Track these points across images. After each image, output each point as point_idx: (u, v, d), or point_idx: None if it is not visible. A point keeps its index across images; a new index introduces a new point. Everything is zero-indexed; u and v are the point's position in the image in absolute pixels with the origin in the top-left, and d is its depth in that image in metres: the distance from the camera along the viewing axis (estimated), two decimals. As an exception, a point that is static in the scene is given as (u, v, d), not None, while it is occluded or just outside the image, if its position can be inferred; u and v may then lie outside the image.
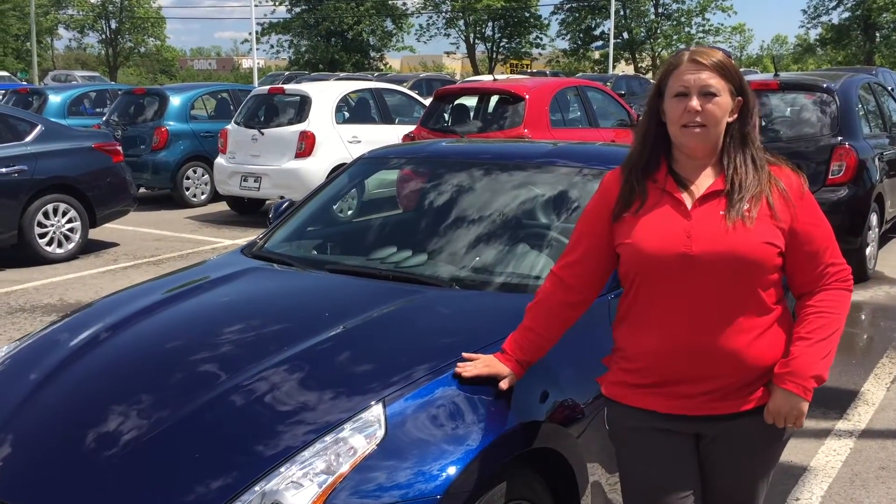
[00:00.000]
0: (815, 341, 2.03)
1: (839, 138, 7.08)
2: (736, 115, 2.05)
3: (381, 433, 2.12)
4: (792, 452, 3.89)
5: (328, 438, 2.10)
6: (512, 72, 42.50)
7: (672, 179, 2.08)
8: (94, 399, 2.45)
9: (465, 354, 2.35)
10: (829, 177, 7.04)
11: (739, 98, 2.05)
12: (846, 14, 49.66)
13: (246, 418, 2.22)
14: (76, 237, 8.39)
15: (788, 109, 7.72)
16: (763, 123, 7.61)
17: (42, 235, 8.11)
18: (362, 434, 2.11)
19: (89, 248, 8.69)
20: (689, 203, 2.05)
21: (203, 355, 2.54)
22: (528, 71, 41.86)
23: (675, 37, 49.59)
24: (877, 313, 6.50)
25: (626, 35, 50.05)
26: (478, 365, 2.31)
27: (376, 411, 2.17)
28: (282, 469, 2.02)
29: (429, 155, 3.95)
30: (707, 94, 1.99)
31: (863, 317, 6.39)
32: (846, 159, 7.00)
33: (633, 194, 2.09)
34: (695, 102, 1.99)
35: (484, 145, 4.54)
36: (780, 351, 2.07)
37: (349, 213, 4.52)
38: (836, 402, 4.58)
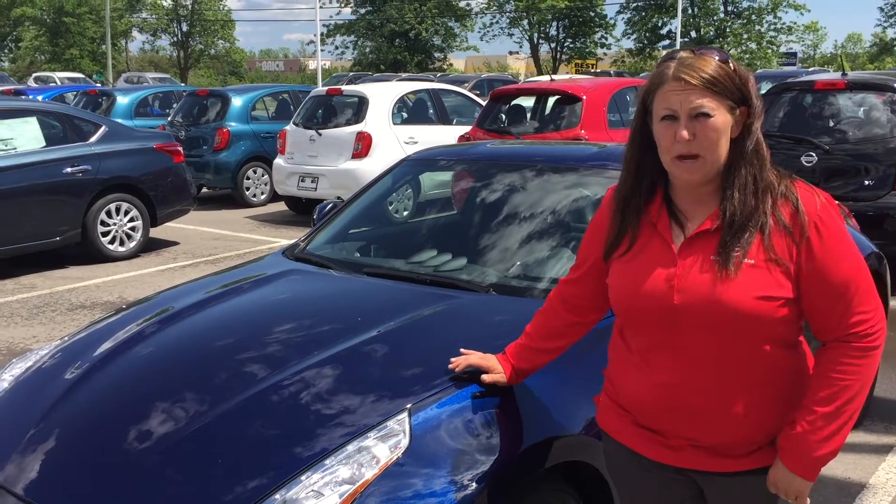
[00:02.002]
0: (822, 415, 1.71)
1: (910, 140, 6.78)
2: (740, 129, 1.73)
3: (405, 442, 2.07)
4: (850, 469, 3.72)
5: (351, 447, 2.06)
6: (577, 72, 42.13)
7: (666, 212, 1.81)
8: (123, 396, 2.49)
9: (462, 350, 2.30)
10: (900, 180, 6.75)
11: (743, 107, 1.72)
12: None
13: (271, 423, 2.21)
14: (138, 236, 8.57)
15: (857, 110, 7.43)
16: (830, 125, 7.35)
17: (105, 234, 8.31)
18: (386, 443, 2.07)
19: (150, 246, 8.88)
20: (677, 244, 1.78)
21: (231, 359, 2.53)
22: (593, 71, 41.40)
23: (745, 35, 48.50)
24: (949, 323, 6.20)
25: (694, 34, 49.13)
26: (471, 357, 2.26)
27: (401, 420, 2.13)
28: (302, 477, 2.00)
29: (473, 157, 3.90)
30: (698, 116, 1.68)
31: (933, 327, 6.10)
32: (917, 162, 6.70)
33: (622, 234, 1.86)
34: (684, 132, 1.68)
35: (530, 147, 4.47)
36: (788, 407, 1.78)
37: (405, 213, 4.50)
38: (899, 416, 4.37)
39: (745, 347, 1.75)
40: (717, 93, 1.69)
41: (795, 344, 1.83)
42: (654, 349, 1.82)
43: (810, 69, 29.66)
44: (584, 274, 2.04)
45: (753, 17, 49.28)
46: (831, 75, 8.18)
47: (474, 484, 2.02)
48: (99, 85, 29.39)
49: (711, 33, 49.05)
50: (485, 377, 2.22)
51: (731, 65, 1.72)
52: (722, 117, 1.70)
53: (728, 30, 48.85)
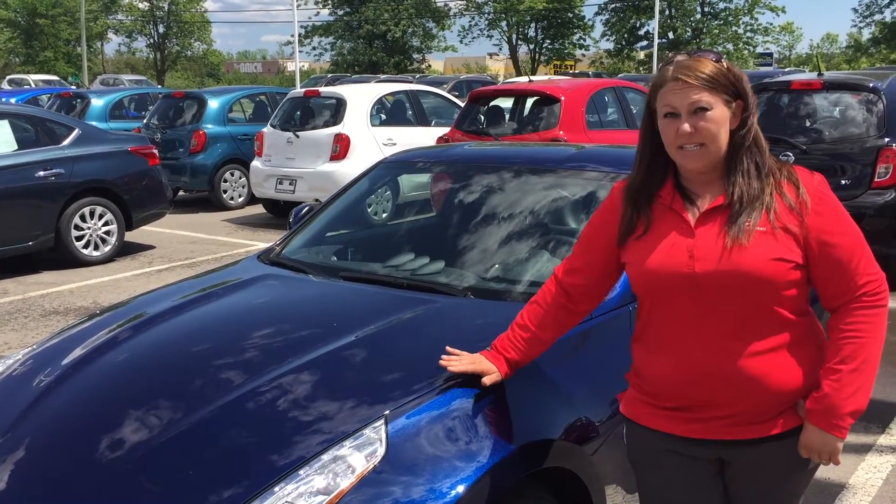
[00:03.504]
0: (846, 372, 1.86)
1: (886, 139, 6.83)
2: (738, 121, 1.90)
3: (381, 451, 2.03)
4: (829, 469, 3.71)
5: (326, 456, 2.02)
6: (555, 73, 42.26)
7: (679, 195, 1.96)
8: (95, 404, 2.44)
9: (449, 349, 2.27)
10: (876, 179, 6.80)
11: (738, 101, 1.90)
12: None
13: (246, 431, 2.16)
14: (112, 240, 8.46)
15: (833, 109, 7.48)
16: (807, 124, 7.39)
17: (79, 238, 8.19)
18: (362, 452, 2.03)
19: (126, 250, 8.77)
20: (693, 219, 1.93)
21: (206, 365, 2.49)
22: (571, 72, 41.53)
23: (721, 36, 48.84)
24: (925, 321, 6.24)
25: (671, 35, 49.43)
26: (463, 361, 2.23)
27: (378, 427, 2.09)
28: (276, 488, 1.95)
29: (451, 159, 3.87)
30: (697, 111, 1.85)
31: (910, 325, 6.14)
32: (893, 161, 6.76)
33: (636, 220, 1.99)
34: (686, 126, 1.85)
35: (508, 149, 4.45)
36: (808, 372, 1.92)
37: (384, 215, 4.46)
38: (877, 415, 4.37)
39: (762, 312, 1.88)
40: (713, 88, 1.86)
41: (807, 312, 1.97)
42: (676, 322, 1.94)
43: (786, 69, 29.86)
44: (585, 262, 2.14)
45: (730, 18, 49.66)
46: (807, 75, 8.23)
47: (453, 491, 1.99)
48: (74, 87, 29.07)
49: (688, 34, 49.38)
50: (485, 380, 2.19)
51: (724, 63, 1.90)
52: (719, 110, 1.87)
53: (705, 31, 49.18)
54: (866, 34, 54.03)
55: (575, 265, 2.16)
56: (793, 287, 1.89)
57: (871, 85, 7.12)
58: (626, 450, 2.15)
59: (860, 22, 51.90)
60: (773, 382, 1.89)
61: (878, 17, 50.40)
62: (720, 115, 1.86)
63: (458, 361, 2.23)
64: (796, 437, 1.94)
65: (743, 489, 2.01)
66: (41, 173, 7.86)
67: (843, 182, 6.89)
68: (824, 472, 3.69)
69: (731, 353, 1.89)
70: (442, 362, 2.23)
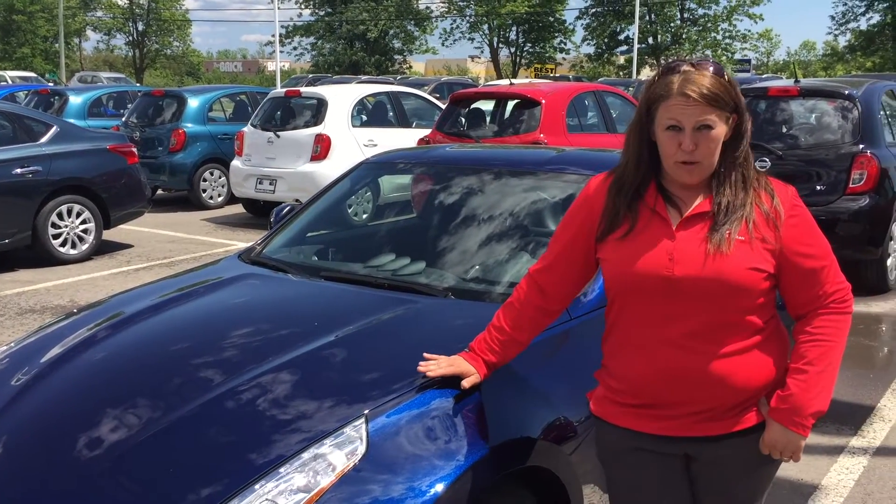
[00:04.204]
0: (813, 374, 1.93)
1: (861, 146, 6.93)
2: (730, 134, 1.93)
3: (362, 449, 2.05)
4: (803, 470, 3.77)
5: (307, 454, 2.03)
6: (536, 76, 42.40)
7: (661, 197, 1.98)
8: (73, 403, 2.42)
9: (426, 355, 2.28)
10: (850, 185, 6.89)
11: (734, 115, 1.92)
12: (876, 19, 48.92)
13: (225, 430, 2.17)
14: (90, 238, 8.40)
15: (809, 116, 7.57)
16: (783, 130, 7.48)
17: (56, 236, 8.12)
18: (342, 451, 2.04)
19: (103, 249, 8.71)
20: (675, 222, 1.95)
21: (185, 365, 2.49)
22: (552, 75, 41.71)
23: (700, 42, 49.23)
24: (897, 326, 6.34)
25: (651, 40, 49.77)
26: (442, 364, 2.24)
27: (358, 426, 2.10)
28: (257, 486, 1.96)
29: (432, 160, 3.88)
30: (701, 128, 1.87)
31: (883, 329, 6.24)
32: (867, 167, 6.85)
33: (620, 217, 2.00)
34: (688, 142, 1.86)
35: (489, 151, 4.48)
36: (772, 371, 1.98)
37: (364, 216, 4.47)
38: (850, 417, 4.44)
39: (733, 317, 1.93)
40: (716, 106, 1.87)
41: (773, 315, 2.02)
42: (647, 322, 1.97)
43: (764, 76, 30.09)
44: (559, 259, 2.15)
45: (709, 24, 50.06)
46: (784, 82, 8.33)
47: (433, 489, 2.00)
48: (52, 84, 28.79)
49: (668, 40, 49.73)
50: (464, 383, 2.21)
51: (725, 76, 1.91)
52: (719, 129, 1.89)
53: (684, 37, 49.54)
54: (842, 42, 54.63)
55: (550, 261, 2.17)
56: (763, 295, 1.95)
57: (846, 92, 7.22)
58: (596, 448, 2.17)
59: (835, 29, 52.47)
60: (739, 381, 1.94)
61: (852, 24, 50.98)
62: (719, 133, 1.89)
63: (437, 365, 2.24)
64: (760, 434, 1.99)
65: (708, 484, 2.06)
66: (18, 170, 7.79)
67: (818, 188, 6.97)
68: (797, 473, 3.74)
69: (700, 353, 1.93)
70: (420, 368, 2.24)
